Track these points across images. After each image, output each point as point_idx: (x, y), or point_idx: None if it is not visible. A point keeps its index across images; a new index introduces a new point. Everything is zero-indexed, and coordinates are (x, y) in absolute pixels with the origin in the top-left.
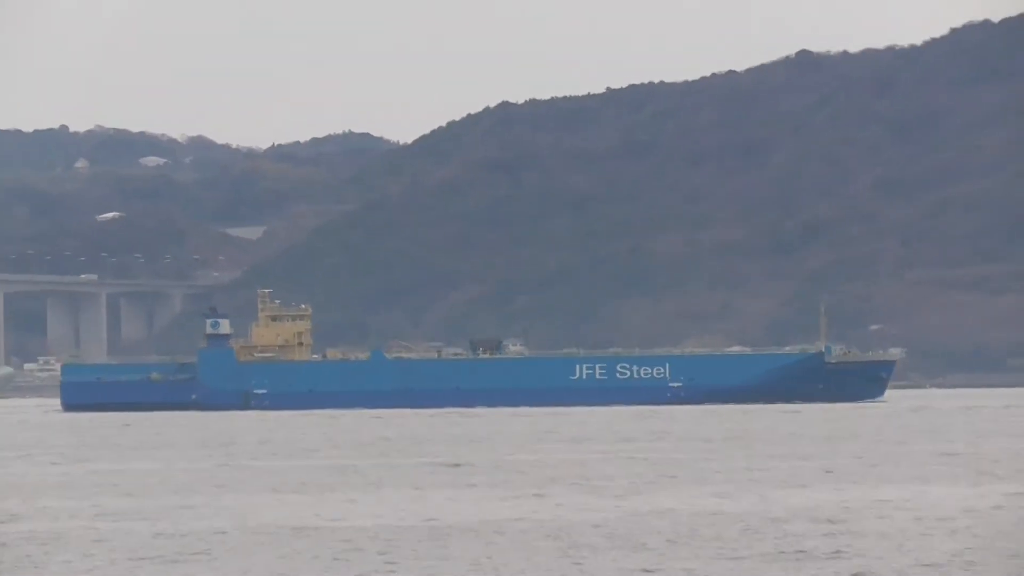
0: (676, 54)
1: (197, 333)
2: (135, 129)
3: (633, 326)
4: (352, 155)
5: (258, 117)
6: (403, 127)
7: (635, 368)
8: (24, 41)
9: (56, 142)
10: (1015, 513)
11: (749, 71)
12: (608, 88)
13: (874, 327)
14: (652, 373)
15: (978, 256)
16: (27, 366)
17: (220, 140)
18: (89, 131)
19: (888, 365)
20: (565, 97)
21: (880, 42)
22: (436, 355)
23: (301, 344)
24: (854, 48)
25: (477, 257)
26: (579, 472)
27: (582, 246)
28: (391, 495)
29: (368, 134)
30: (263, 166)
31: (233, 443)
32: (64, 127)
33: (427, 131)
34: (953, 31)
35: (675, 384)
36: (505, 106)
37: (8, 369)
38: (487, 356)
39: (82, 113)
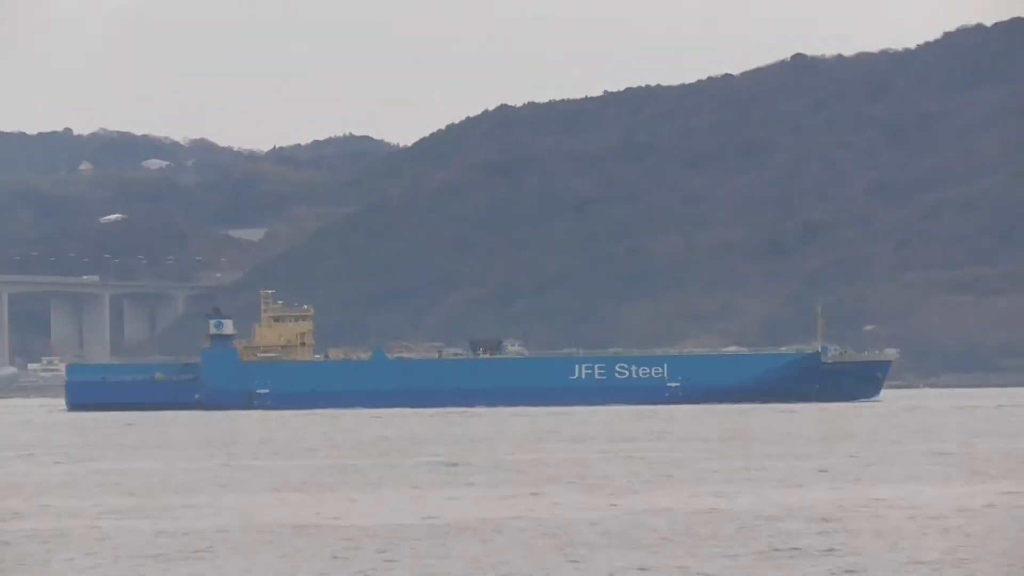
0: (673, 57)
1: (199, 334)
2: (138, 132)
3: (632, 326)
4: (352, 158)
5: (259, 120)
6: (403, 130)
7: (634, 368)
8: (28, 45)
9: (60, 145)
10: (1007, 512)
11: (745, 74)
12: (606, 91)
13: (868, 328)
14: (651, 373)
15: (971, 258)
16: (31, 366)
17: (222, 143)
18: (92, 134)
19: (884, 365)
20: (563, 100)
21: (874, 46)
22: (437, 355)
23: (303, 344)
24: (849, 52)
25: (476, 259)
26: (577, 471)
27: (581, 247)
28: (391, 494)
29: (368, 137)
30: (264, 168)
31: (235, 443)
32: (68, 130)
33: (427, 134)
34: (947, 35)
35: (673, 384)
36: (504, 109)
37: (12, 369)
38: (487, 356)
39: (86, 116)
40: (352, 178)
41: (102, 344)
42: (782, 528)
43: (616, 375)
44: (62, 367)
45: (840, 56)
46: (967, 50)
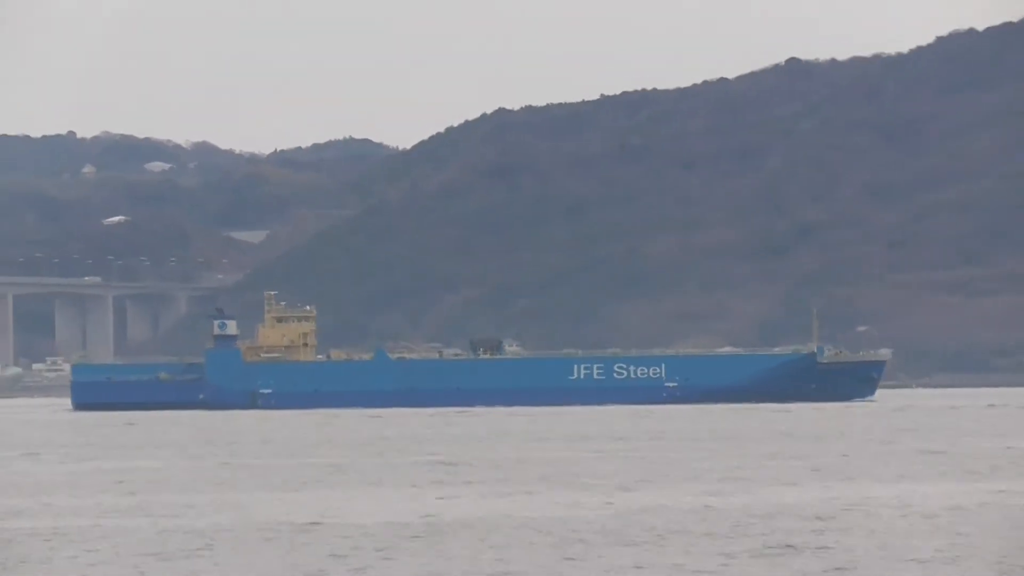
0: (669, 61)
1: (201, 334)
2: (141, 135)
3: (629, 327)
4: (352, 160)
5: (261, 123)
6: (402, 133)
7: (632, 368)
8: (32, 49)
9: (64, 148)
10: (998, 510)
11: (740, 78)
12: (603, 94)
13: (861, 328)
14: (648, 373)
15: (963, 259)
16: (35, 366)
17: (224, 146)
18: (96, 137)
19: (879, 365)
20: (560, 103)
21: (868, 50)
22: (437, 355)
23: (306, 345)
24: (842, 56)
25: (475, 260)
26: (575, 470)
27: (578, 249)
28: (389, 493)
29: (368, 140)
30: (265, 171)
31: (236, 442)
32: (72, 133)
33: (426, 137)
34: (939, 39)
35: (671, 384)
36: (502, 112)
37: (17, 369)
38: (487, 356)
39: (89, 119)
40: (352, 180)
41: (106, 344)
42: (776, 526)
43: (614, 375)
44: (66, 367)
45: (834, 60)
46: (959, 54)
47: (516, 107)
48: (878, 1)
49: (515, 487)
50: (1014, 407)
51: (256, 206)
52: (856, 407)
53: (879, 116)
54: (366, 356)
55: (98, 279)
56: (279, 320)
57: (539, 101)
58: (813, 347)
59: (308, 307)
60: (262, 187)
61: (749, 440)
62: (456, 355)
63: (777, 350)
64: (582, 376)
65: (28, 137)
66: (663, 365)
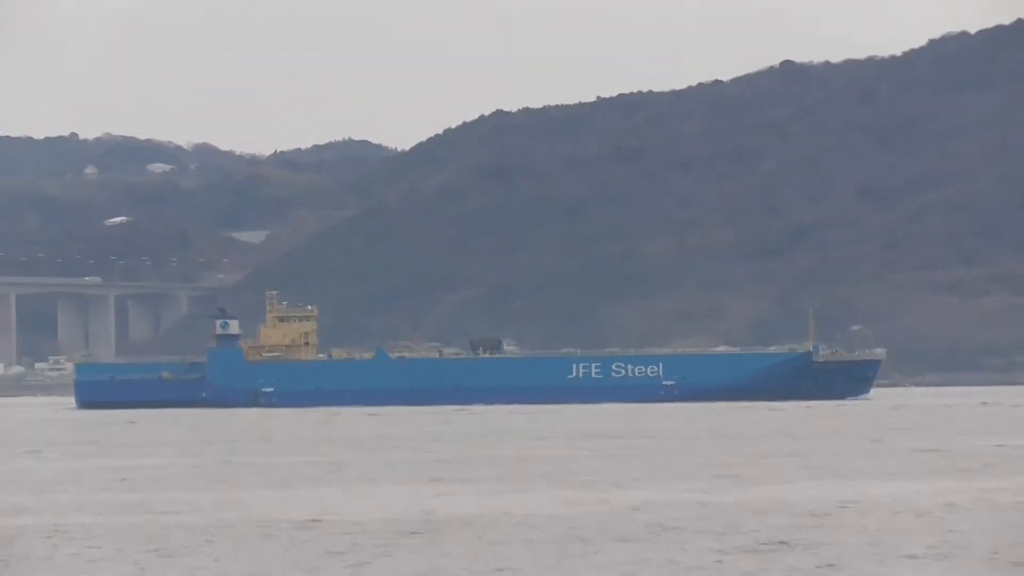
0: (665, 64)
1: (203, 333)
2: (142, 137)
3: (628, 326)
4: (352, 162)
5: (261, 125)
6: (401, 135)
7: (629, 367)
8: (33, 51)
9: (66, 149)
10: (990, 507)
11: (735, 80)
12: (599, 97)
13: (856, 328)
14: (646, 372)
15: (956, 259)
16: (38, 365)
17: (224, 147)
18: (98, 139)
19: (874, 364)
20: (557, 105)
21: (861, 52)
22: (437, 355)
23: (307, 344)
24: (836, 58)
25: (474, 261)
26: (573, 467)
27: (576, 250)
28: (388, 490)
29: (367, 141)
30: (266, 172)
31: (237, 440)
32: (74, 135)
33: (424, 139)
34: (932, 42)
35: (668, 383)
36: (499, 114)
37: (20, 368)
38: (487, 356)
39: (91, 121)
40: (351, 182)
41: (107, 344)
42: (769, 523)
43: (612, 374)
44: (69, 366)
45: (828, 63)
46: (952, 56)
47: (514, 109)
48: (871, 4)
49: (514, 485)
50: (1006, 405)
51: (256, 207)
52: (850, 405)
53: (873, 118)
54: (367, 355)
55: (100, 279)
56: (281, 320)
57: (536, 103)
58: (809, 346)
59: (309, 307)
60: (262, 188)
61: (744, 438)
62: (456, 354)
63: (773, 349)
64: (580, 375)
65: (30, 138)
66: (660, 364)
